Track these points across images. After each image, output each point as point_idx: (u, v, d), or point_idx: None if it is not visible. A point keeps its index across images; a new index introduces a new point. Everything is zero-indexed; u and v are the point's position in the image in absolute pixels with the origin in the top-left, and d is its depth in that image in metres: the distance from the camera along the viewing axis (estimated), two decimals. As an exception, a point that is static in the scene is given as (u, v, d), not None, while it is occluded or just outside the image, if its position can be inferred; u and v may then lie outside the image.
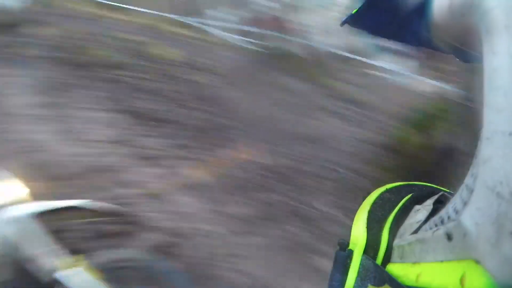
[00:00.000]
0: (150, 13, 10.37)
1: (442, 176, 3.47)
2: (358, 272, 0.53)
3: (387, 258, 0.51)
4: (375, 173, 4.61)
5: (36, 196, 2.26)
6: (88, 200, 2.46)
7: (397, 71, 9.51)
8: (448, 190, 0.57)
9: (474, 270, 0.33)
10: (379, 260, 0.51)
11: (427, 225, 0.46)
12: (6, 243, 1.98)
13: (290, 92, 7.43)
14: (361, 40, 9.28)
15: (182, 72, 6.95)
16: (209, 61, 7.76)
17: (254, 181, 4.31)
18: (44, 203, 2.21)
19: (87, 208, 2.43)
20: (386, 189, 0.61)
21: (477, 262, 0.32)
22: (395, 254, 0.50)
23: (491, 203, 0.31)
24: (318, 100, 7.45)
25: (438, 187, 0.60)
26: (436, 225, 0.42)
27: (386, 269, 0.49)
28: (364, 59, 10.07)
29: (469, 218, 0.34)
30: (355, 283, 0.53)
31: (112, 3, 10.22)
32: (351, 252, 0.54)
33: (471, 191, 0.36)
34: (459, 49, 0.54)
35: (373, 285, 0.50)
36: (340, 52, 9.97)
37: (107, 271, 2.18)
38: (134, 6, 10.31)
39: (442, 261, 0.38)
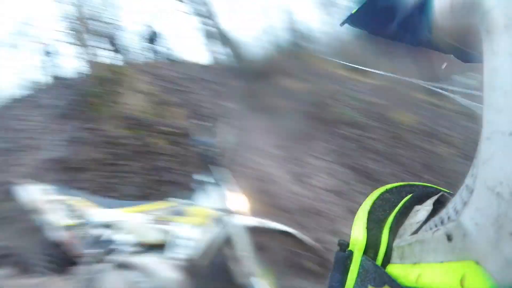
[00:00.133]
0: (390, 76, 10.44)
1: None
2: (358, 273, 0.52)
3: (387, 259, 0.50)
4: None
5: (254, 213, 2.76)
6: (297, 231, 2.79)
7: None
8: (448, 191, 0.57)
9: (474, 271, 0.32)
10: (379, 261, 0.51)
11: (427, 226, 0.46)
12: (225, 239, 2.42)
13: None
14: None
15: (415, 138, 7.03)
16: (446, 130, 7.78)
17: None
18: (259, 220, 2.67)
19: (295, 237, 2.74)
20: (386, 189, 0.60)
21: (477, 263, 0.32)
22: (395, 254, 0.50)
23: (491, 203, 0.31)
24: None
25: (439, 187, 0.60)
26: (436, 226, 0.42)
27: (386, 270, 0.49)
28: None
29: (469, 219, 0.34)
30: (355, 284, 0.52)
31: (354, 65, 10.24)
32: (351, 253, 0.53)
33: (471, 191, 0.36)
34: (459, 49, 0.54)
35: (373, 286, 0.49)
36: None
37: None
38: (376, 69, 10.14)
39: (442, 262, 0.37)
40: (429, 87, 9.50)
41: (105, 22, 13.87)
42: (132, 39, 12.18)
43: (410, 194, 0.58)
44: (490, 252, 0.31)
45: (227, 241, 2.47)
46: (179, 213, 2.50)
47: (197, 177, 2.75)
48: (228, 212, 2.52)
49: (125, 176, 4.29)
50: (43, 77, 11.80)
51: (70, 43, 11.88)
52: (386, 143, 6.33)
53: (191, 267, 2.35)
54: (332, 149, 5.69)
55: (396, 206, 0.56)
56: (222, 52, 11.24)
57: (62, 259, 3.00)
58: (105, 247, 2.42)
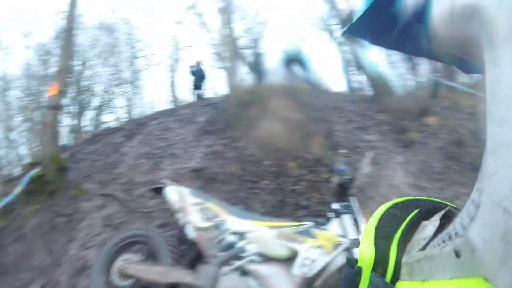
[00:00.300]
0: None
1: None
2: None
3: (396, 276, 0.50)
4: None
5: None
6: None
7: None
8: (455, 205, 0.56)
9: None
10: (388, 277, 0.51)
11: (435, 242, 0.44)
12: (342, 265, 2.36)
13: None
14: None
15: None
16: None
17: None
18: None
19: None
20: (393, 204, 0.61)
21: (486, 279, 0.32)
22: (403, 271, 0.49)
23: (498, 218, 0.30)
24: None
25: (445, 202, 0.60)
26: (443, 241, 0.41)
27: (395, 287, 0.49)
28: None
29: (476, 234, 0.33)
30: None
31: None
32: (360, 270, 0.54)
33: (477, 206, 0.35)
34: (460, 60, 0.53)
35: None
36: None
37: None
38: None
39: (451, 279, 0.37)
40: None
41: (250, 47, 14.84)
42: (275, 64, 12.72)
43: (416, 209, 0.58)
44: (498, 268, 0.30)
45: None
46: (306, 234, 2.52)
47: (333, 205, 2.74)
48: (354, 241, 2.48)
49: (254, 192, 4.51)
50: (189, 95, 13.07)
51: (215, 65, 12.96)
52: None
53: (306, 286, 2.38)
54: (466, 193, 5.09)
55: (403, 221, 0.56)
56: (363, 83, 11.13)
57: (191, 255, 3.39)
58: (232, 252, 2.60)
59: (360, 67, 10.14)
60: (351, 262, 0.57)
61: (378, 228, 0.56)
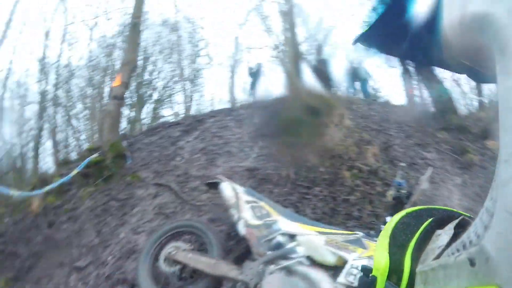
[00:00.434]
0: None
1: None
2: None
3: (411, 284, 0.50)
4: None
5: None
6: None
7: None
8: (468, 214, 0.56)
9: None
10: (403, 286, 0.51)
11: (449, 250, 0.44)
12: None
13: None
14: None
15: None
16: None
17: None
18: None
19: None
20: (406, 213, 0.61)
21: None
22: (418, 280, 0.49)
23: None
24: None
25: (459, 211, 0.59)
26: (458, 250, 0.41)
27: None
28: None
29: (490, 243, 0.33)
30: None
31: None
32: (374, 279, 0.53)
33: (491, 214, 0.35)
34: (472, 69, 0.50)
35: None
36: None
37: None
38: None
39: (466, 287, 0.36)
40: None
41: (313, 52, 14.82)
42: (338, 72, 12.59)
43: (430, 218, 0.57)
44: None
45: None
46: (356, 243, 2.46)
47: (387, 218, 2.64)
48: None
49: (306, 197, 4.51)
50: (247, 96, 13.26)
51: (275, 69, 13.02)
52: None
53: None
54: None
55: (416, 230, 0.55)
56: (425, 98, 10.83)
57: (238, 252, 3.46)
58: (281, 252, 2.63)
59: (423, 81, 9.88)
60: (366, 271, 0.59)
61: (392, 237, 0.56)
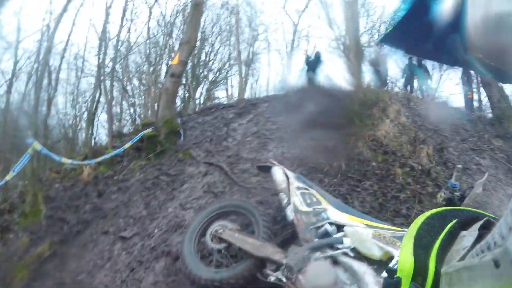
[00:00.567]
0: None
1: None
2: None
3: (436, 286, 0.50)
4: None
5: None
6: None
7: None
8: (492, 215, 0.56)
9: None
10: (428, 287, 0.51)
11: (473, 252, 0.44)
12: None
13: None
14: None
15: None
16: None
17: None
18: None
19: None
20: (431, 214, 0.62)
21: None
22: (443, 281, 0.49)
23: None
24: None
25: (483, 212, 0.59)
26: (482, 252, 0.40)
27: None
28: None
29: None
30: None
31: None
32: (399, 280, 0.55)
33: None
34: (497, 70, 0.50)
35: None
36: None
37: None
38: None
39: None
40: None
41: (373, 45, 14.50)
42: (395, 69, 12.26)
43: (454, 219, 0.59)
44: None
45: None
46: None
47: None
48: None
49: (356, 190, 4.49)
50: (303, 84, 13.21)
51: (333, 59, 12.84)
52: None
53: None
54: None
55: (441, 231, 0.56)
56: (484, 103, 10.39)
57: (283, 236, 3.48)
58: (327, 241, 2.62)
59: (482, 86, 9.47)
60: (391, 273, 0.59)
61: (417, 238, 0.58)
